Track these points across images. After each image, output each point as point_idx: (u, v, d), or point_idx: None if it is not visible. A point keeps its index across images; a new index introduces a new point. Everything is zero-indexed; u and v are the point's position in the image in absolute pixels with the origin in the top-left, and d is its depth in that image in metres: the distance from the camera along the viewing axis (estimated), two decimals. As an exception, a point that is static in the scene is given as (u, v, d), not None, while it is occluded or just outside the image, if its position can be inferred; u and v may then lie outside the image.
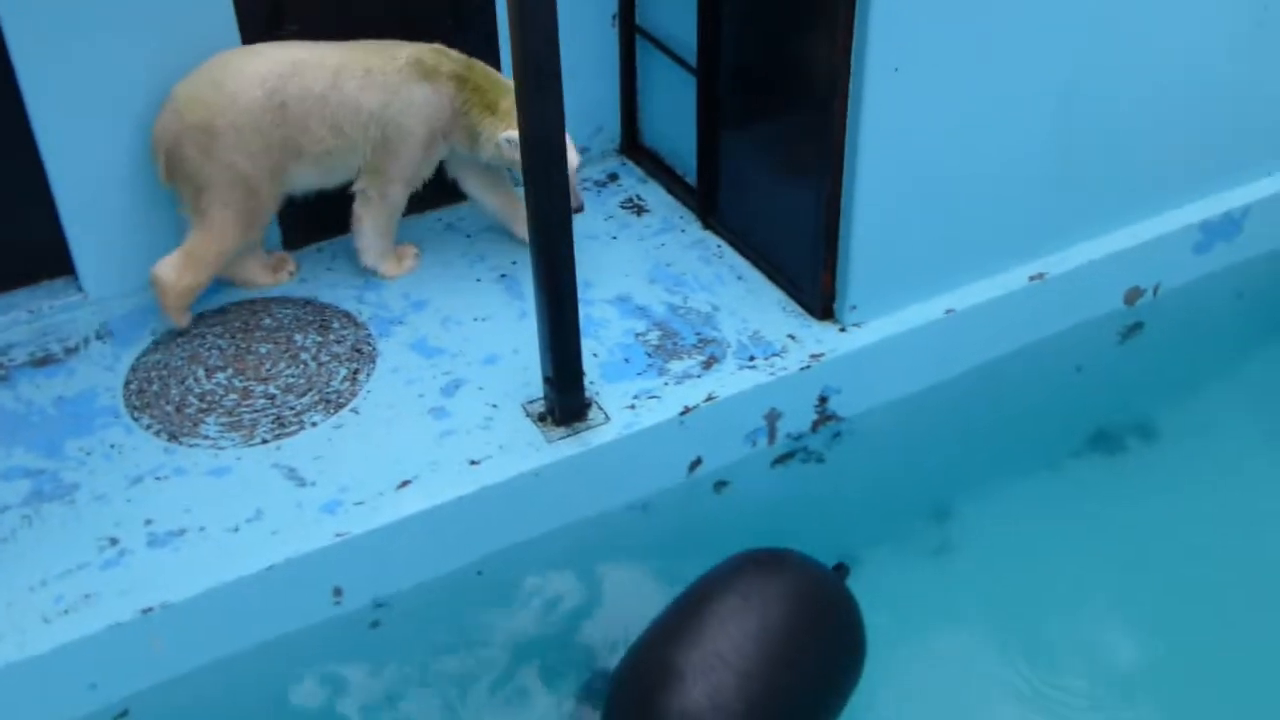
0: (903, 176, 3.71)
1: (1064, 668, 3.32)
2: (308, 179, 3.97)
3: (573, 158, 3.82)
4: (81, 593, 3.12)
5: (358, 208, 4.05)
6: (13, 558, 3.21)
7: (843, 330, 3.90)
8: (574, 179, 3.83)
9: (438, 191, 4.29)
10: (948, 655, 3.36)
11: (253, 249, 4.06)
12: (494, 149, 3.97)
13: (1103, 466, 3.93)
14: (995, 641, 3.38)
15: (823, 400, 3.87)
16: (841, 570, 3.17)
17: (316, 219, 4.27)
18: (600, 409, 3.60)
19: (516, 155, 3.64)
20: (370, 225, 4.07)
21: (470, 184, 4.25)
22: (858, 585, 3.36)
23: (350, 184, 4.02)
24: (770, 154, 3.99)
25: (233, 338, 3.92)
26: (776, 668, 2.82)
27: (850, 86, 3.51)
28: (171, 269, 3.84)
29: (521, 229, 4.16)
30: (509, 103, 3.82)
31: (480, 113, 3.94)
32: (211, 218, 3.82)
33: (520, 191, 3.81)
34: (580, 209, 3.86)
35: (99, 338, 3.95)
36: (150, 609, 3.08)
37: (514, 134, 3.72)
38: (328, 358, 3.84)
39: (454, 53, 3.99)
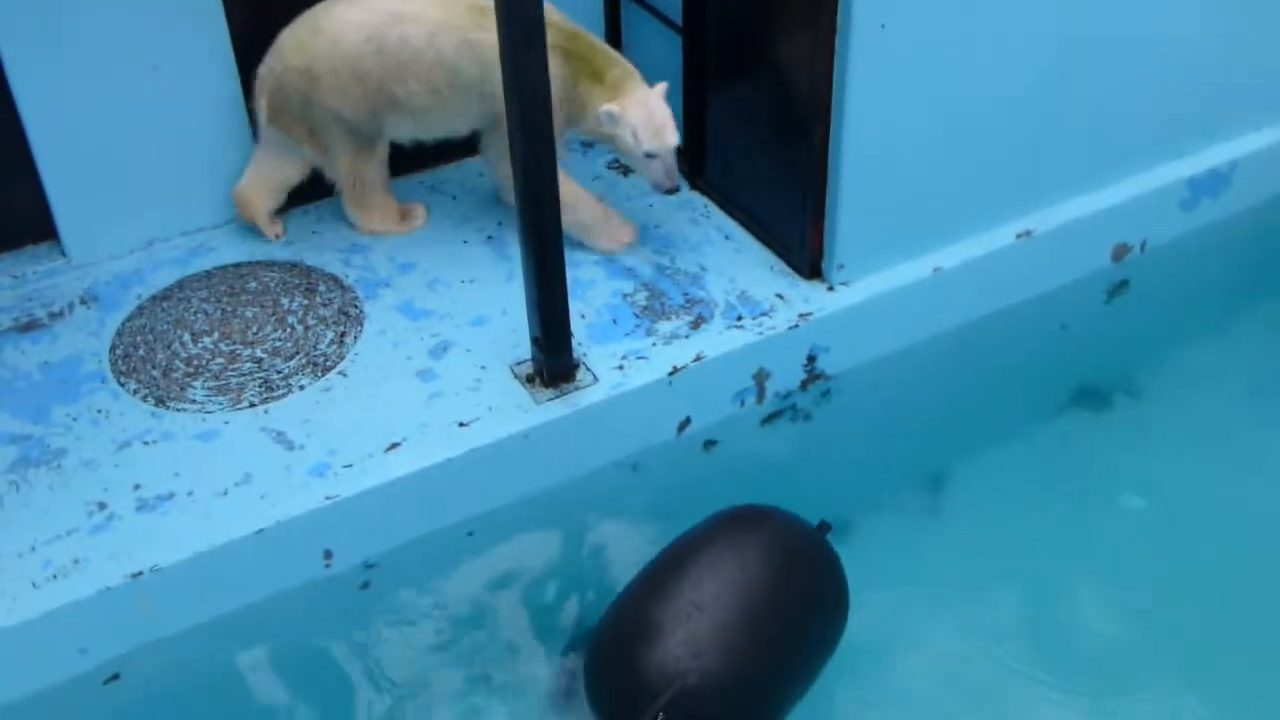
0: (890, 134, 3.69)
1: (1051, 627, 3.33)
2: (406, 129, 4.00)
3: (672, 136, 3.81)
4: (70, 557, 3.12)
5: (486, 168, 4.21)
6: (0, 524, 3.20)
7: (830, 289, 3.90)
8: (671, 159, 3.85)
9: (422, 153, 4.26)
10: (933, 614, 3.36)
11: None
12: (595, 121, 3.87)
13: (1089, 424, 3.94)
14: (981, 600, 3.39)
15: (811, 359, 3.87)
16: (823, 527, 3.16)
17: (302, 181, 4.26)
18: (589, 370, 3.59)
19: (617, 130, 3.81)
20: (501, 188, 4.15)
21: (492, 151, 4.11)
22: (845, 543, 3.38)
23: (450, 140, 4.09)
24: (757, 114, 3.97)
25: (218, 302, 3.90)
26: (755, 619, 2.82)
27: (837, 43, 3.49)
28: (357, 215, 4.14)
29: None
30: (616, 73, 3.84)
31: (589, 84, 3.85)
32: (334, 150, 3.99)
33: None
34: (675, 190, 3.89)
35: (84, 303, 3.93)
36: (140, 573, 3.08)
37: (615, 108, 3.76)
38: (315, 321, 3.82)
39: (558, 17, 3.86)
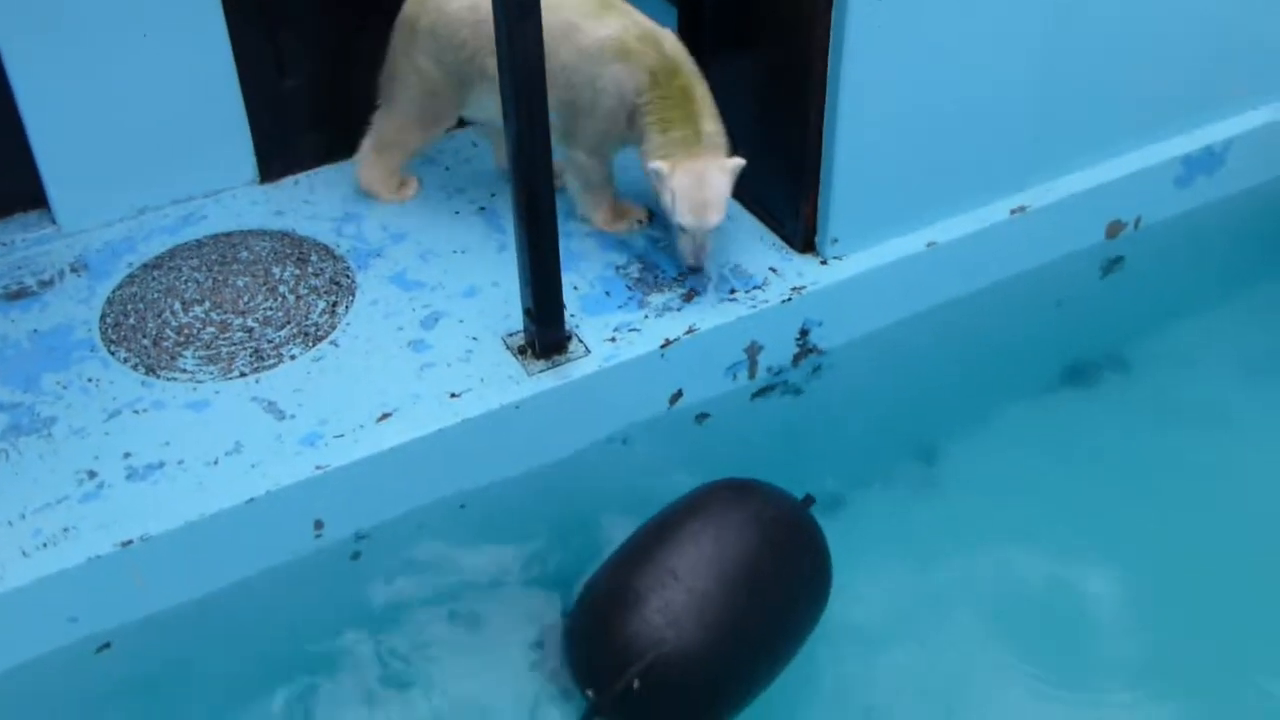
0: (886, 108, 3.68)
1: (1041, 600, 3.34)
2: (487, 109, 3.79)
3: (713, 217, 3.58)
4: (60, 526, 3.11)
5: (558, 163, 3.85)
6: (-10, 493, 3.20)
7: (824, 263, 3.89)
8: (704, 239, 3.64)
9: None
10: (921, 588, 3.37)
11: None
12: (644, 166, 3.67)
13: (1080, 400, 3.94)
14: (971, 575, 3.39)
15: (804, 333, 3.86)
16: (807, 501, 3.15)
17: (294, 150, 4.23)
18: (581, 342, 3.58)
19: (660, 187, 3.57)
20: (570, 183, 3.97)
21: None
22: (834, 516, 3.40)
23: None
24: (752, 86, 3.95)
25: (209, 271, 3.88)
26: (733, 589, 2.82)
27: (833, 15, 3.48)
28: (365, 165, 4.10)
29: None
30: (685, 132, 3.57)
31: (655, 126, 3.61)
32: (395, 104, 3.95)
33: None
34: (698, 270, 3.69)
35: (74, 271, 3.91)
36: (130, 542, 3.07)
37: (664, 167, 3.54)
38: (306, 291, 3.81)
39: (669, 45, 3.64)
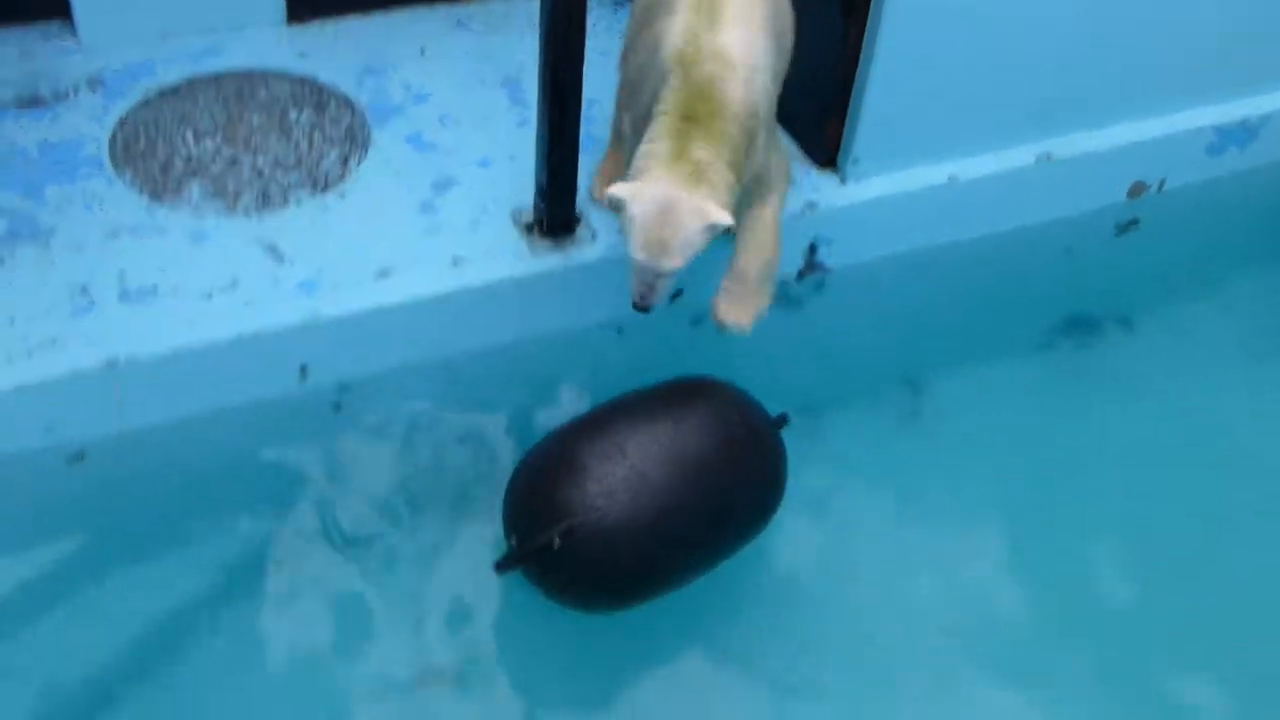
0: (928, 34, 3.61)
1: (1001, 540, 3.35)
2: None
3: (668, 263, 2.93)
4: (48, 336, 3.11)
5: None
6: (-19, 294, 3.19)
7: (843, 182, 3.85)
8: (652, 280, 3.01)
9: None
10: (888, 515, 3.37)
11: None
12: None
13: (1076, 354, 3.92)
14: (942, 506, 3.40)
15: (812, 249, 3.84)
16: (780, 420, 3.14)
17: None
18: (589, 226, 3.56)
19: (619, 211, 2.94)
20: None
21: None
22: (812, 433, 3.40)
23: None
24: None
25: (225, 105, 3.84)
26: (676, 479, 2.82)
27: (888, -70, 3.42)
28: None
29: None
30: (669, 146, 2.93)
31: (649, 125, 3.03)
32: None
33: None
34: (644, 310, 3.07)
35: (89, 87, 3.86)
36: (115, 360, 3.07)
37: (623, 193, 2.91)
38: (320, 138, 3.77)
39: (710, 69, 3.00)
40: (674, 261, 2.92)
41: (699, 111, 2.93)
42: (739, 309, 3.22)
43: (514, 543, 2.84)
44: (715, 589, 3.04)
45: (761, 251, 3.24)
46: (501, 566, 2.81)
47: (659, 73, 3.05)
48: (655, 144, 2.93)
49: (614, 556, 2.77)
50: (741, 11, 3.09)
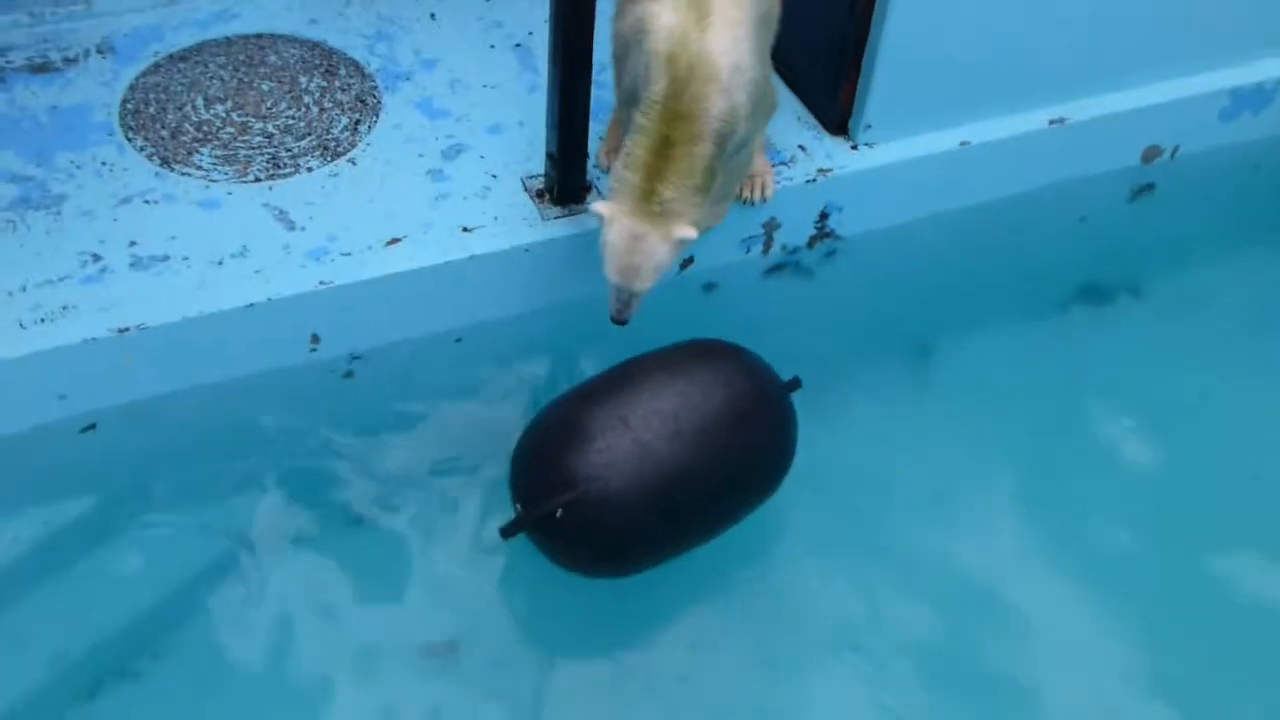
0: (940, -2, 3.60)
1: (1005, 508, 3.35)
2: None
3: (640, 284, 3.11)
4: (60, 304, 3.12)
5: None
6: (-7, 261, 3.20)
7: (855, 148, 3.83)
8: (627, 297, 3.16)
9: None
10: (891, 483, 3.38)
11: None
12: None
13: (1087, 321, 3.91)
14: (950, 474, 3.41)
15: (823, 216, 3.82)
16: (792, 384, 3.12)
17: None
18: (600, 193, 3.55)
19: (600, 234, 3.10)
20: None
21: None
22: (821, 401, 3.39)
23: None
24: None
25: (235, 70, 3.83)
26: (681, 449, 2.82)
27: (901, -106, 3.39)
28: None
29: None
30: (640, 182, 3.05)
31: (626, 144, 3.11)
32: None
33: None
34: (620, 323, 3.21)
35: (100, 52, 3.85)
36: (126, 329, 3.08)
37: (604, 211, 3.07)
38: (330, 104, 3.76)
39: (699, 87, 3.02)
40: (645, 284, 3.13)
41: (675, 138, 3.02)
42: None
43: (519, 509, 2.86)
44: (724, 552, 3.06)
45: (739, 174, 3.46)
46: (506, 532, 2.83)
47: (643, 59, 3.08)
48: (630, 173, 3.06)
49: (616, 525, 2.79)
50: (728, 6, 3.09)
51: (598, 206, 3.08)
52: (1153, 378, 3.73)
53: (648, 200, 3.04)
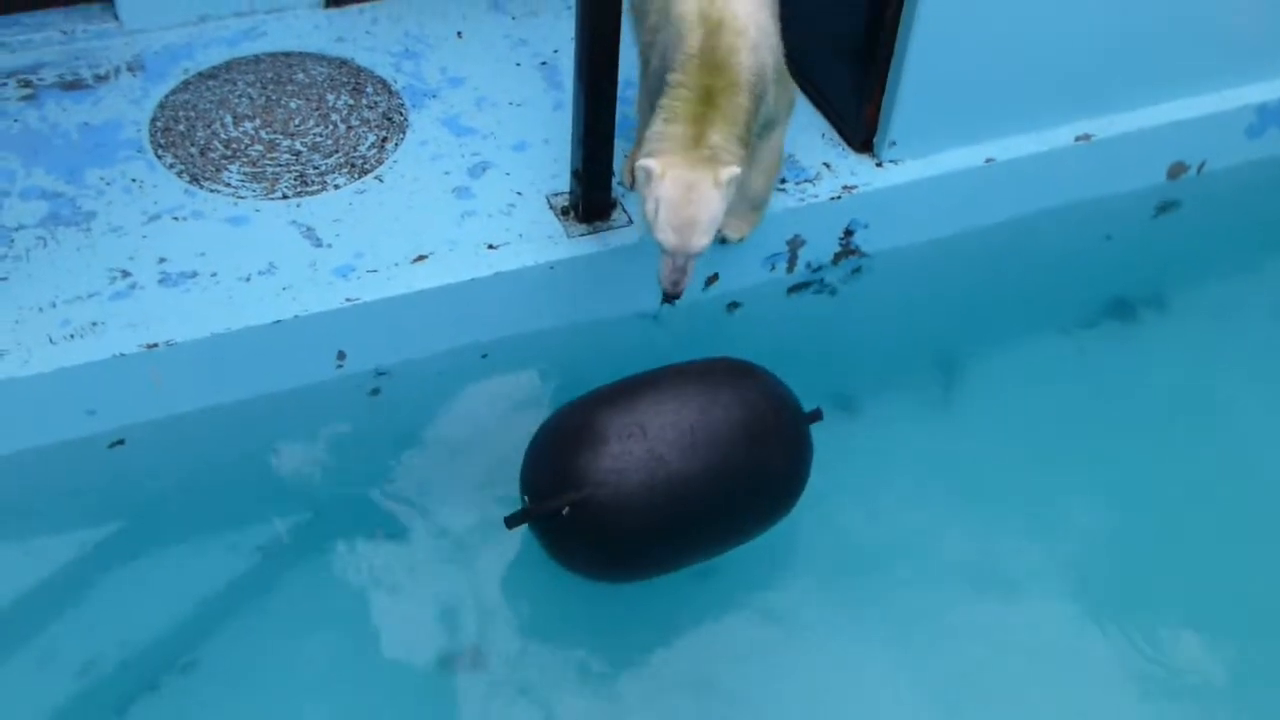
0: (965, 14, 3.59)
1: (1044, 532, 3.33)
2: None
3: (696, 242, 3.02)
4: (89, 320, 3.14)
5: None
6: (24, 277, 3.23)
7: (879, 165, 3.84)
8: (683, 263, 3.08)
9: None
10: (920, 501, 3.37)
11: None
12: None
13: (1113, 336, 3.90)
14: (974, 491, 3.40)
15: (848, 234, 3.83)
16: (814, 415, 3.09)
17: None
18: (625, 211, 3.56)
19: (645, 190, 3.04)
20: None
21: None
22: (848, 422, 3.42)
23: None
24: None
25: (264, 88, 3.86)
26: (693, 465, 2.81)
27: (926, -88, 3.39)
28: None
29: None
30: (687, 130, 3.03)
31: (661, 107, 3.10)
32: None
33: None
34: (672, 298, 3.15)
35: (130, 70, 3.89)
36: (155, 345, 3.10)
37: (655, 165, 2.99)
38: (358, 122, 3.79)
39: (729, 42, 3.07)
40: (703, 240, 3.03)
41: (715, 87, 3.03)
42: (739, 222, 3.53)
43: (527, 502, 2.87)
44: (745, 564, 3.07)
45: (769, 172, 3.47)
46: (511, 522, 2.84)
47: (671, 29, 3.12)
48: (674, 126, 3.03)
49: (620, 530, 2.79)
50: None
51: (645, 161, 3.00)
52: (1179, 394, 3.72)
53: (696, 146, 3.00)
